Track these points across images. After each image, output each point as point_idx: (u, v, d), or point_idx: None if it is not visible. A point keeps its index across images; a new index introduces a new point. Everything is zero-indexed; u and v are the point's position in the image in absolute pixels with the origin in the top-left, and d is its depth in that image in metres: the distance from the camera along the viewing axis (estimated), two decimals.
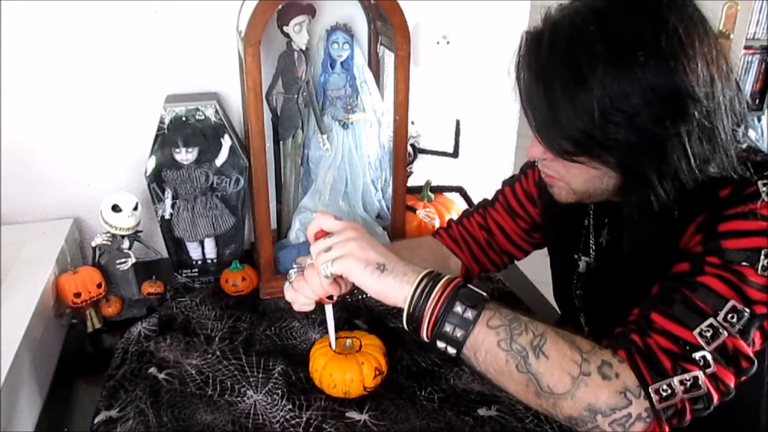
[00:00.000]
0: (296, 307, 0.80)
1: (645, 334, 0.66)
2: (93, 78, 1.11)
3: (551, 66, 0.66)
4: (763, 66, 2.71)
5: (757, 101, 2.74)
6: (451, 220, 1.05)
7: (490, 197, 1.02)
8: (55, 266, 0.99)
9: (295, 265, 0.79)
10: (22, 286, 0.92)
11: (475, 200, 1.08)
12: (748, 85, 2.71)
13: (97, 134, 1.15)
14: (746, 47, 2.63)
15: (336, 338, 0.86)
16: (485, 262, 1.00)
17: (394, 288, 0.69)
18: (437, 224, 1.22)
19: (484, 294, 0.67)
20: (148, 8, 1.09)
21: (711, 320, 0.63)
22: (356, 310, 1.03)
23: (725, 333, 0.62)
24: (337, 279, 0.75)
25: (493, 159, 1.44)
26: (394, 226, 1.13)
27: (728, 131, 0.66)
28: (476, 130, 1.38)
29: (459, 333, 0.66)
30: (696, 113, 0.63)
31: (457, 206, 1.30)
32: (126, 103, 1.14)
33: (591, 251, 0.85)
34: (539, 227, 0.96)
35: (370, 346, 0.87)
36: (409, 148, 1.28)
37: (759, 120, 2.67)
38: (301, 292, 0.77)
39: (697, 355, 0.62)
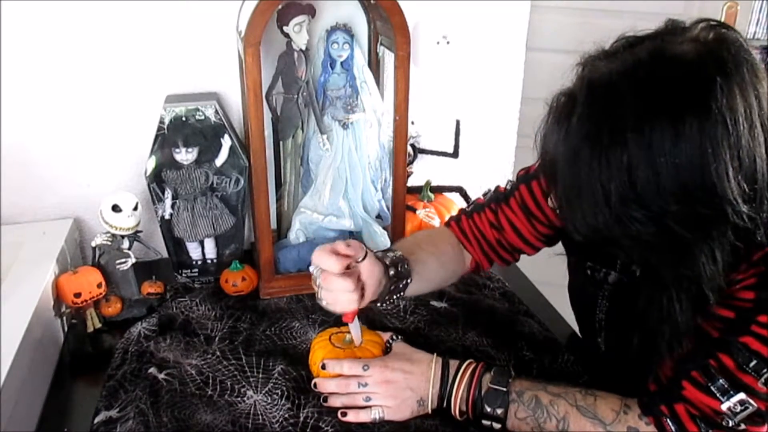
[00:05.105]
0: (339, 309, 0.78)
1: (674, 401, 0.67)
2: (93, 78, 1.11)
3: (577, 139, 0.59)
4: (763, 66, 2.71)
5: None
6: (462, 210, 0.99)
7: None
8: (55, 266, 0.99)
9: (312, 267, 0.78)
10: (22, 286, 0.92)
11: None
12: None
13: (96, 134, 1.14)
14: None
15: (344, 333, 0.87)
16: (495, 258, 0.95)
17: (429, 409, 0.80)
18: (437, 224, 1.22)
19: (504, 389, 0.75)
20: (148, 8, 1.09)
21: (742, 396, 0.62)
22: None
23: (756, 405, 0.62)
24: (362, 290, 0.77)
25: (493, 159, 1.44)
26: (394, 226, 1.13)
27: None
28: (476, 130, 1.38)
29: (497, 426, 0.76)
30: (734, 217, 0.57)
31: (456, 206, 1.30)
32: (126, 103, 1.14)
33: (617, 265, 0.81)
34: (558, 230, 0.89)
35: (370, 342, 0.87)
36: (409, 148, 1.28)
37: None
38: (335, 290, 0.76)
39: (726, 422, 0.63)
